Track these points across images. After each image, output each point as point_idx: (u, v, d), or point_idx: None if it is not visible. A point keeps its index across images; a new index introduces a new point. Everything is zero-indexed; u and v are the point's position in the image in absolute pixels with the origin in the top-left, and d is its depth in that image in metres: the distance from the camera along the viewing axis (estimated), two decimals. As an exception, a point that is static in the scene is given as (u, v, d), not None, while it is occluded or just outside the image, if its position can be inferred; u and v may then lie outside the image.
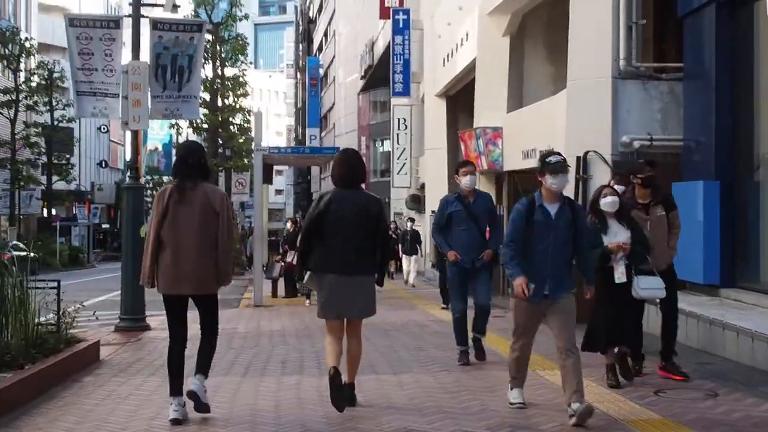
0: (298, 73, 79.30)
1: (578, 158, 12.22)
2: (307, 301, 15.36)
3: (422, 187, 28.86)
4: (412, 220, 23.13)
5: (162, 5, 16.22)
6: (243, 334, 11.22)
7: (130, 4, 12.60)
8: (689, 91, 11.44)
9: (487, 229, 8.36)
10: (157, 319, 11.52)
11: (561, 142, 12.84)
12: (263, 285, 17.04)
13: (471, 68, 20.56)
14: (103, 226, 62.36)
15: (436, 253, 12.11)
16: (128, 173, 12.47)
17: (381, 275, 6.37)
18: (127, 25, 12.14)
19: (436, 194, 24.81)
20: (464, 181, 8.29)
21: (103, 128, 64.33)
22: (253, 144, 16.07)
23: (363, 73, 44.34)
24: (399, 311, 13.90)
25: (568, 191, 12.27)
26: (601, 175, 12.00)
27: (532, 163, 14.81)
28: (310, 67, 67.25)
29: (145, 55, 11.74)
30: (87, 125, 60.89)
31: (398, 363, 8.61)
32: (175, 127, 35.98)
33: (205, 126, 35.12)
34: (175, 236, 5.74)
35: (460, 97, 24.30)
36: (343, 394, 5.94)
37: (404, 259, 21.14)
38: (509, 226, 6.12)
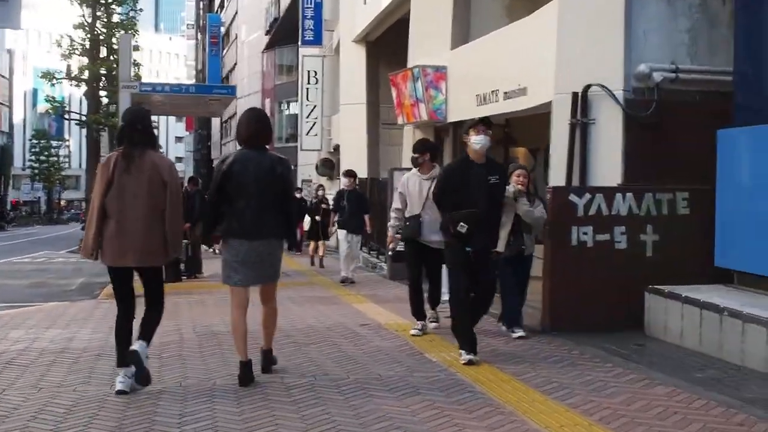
0: (199, 34, 74.26)
1: (574, 95, 8.68)
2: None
3: (336, 149, 25.06)
4: (322, 186, 19.45)
5: None
6: (34, 354, 7.24)
7: None
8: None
9: None
10: None
11: (546, 75, 9.31)
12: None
13: (399, 3, 16.85)
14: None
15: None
16: None
17: (293, 238, 6.47)
18: None
19: (352, 156, 21.11)
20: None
21: (-16, 87, 59.35)
22: (119, 79, 11.82)
23: (268, 28, 40.48)
24: (315, 306, 10.17)
25: (561, 139, 8.75)
26: (607, 120, 8.52)
27: (491, 110, 11.26)
28: (211, 25, 62.62)
29: None
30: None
31: None
32: (48, 77, 30.86)
33: (84, 77, 30.41)
34: (120, 207, 5.52)
35: (382, 43, 20.66)
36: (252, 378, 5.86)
37: (340, 233, 13.75)
38: None
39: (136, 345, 5.58)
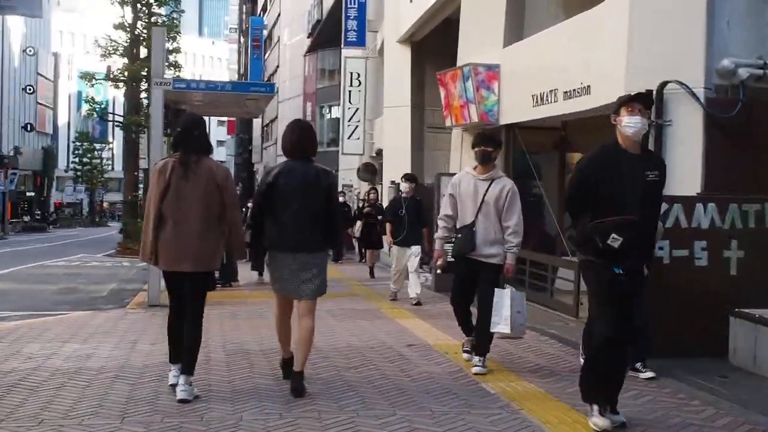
0: (242, 37, 74.36)
1: (648, 92, 7.75)
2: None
3: (378, 153, 24.28)
4: (375, 190, 18.22)
5: None
6: (50, 373, 6.53)
7: None
8: None
9: None
10: None
11: (614, 72, 8.43)
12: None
13: (446, 0, 16.04)
14: (27, 194, 58.04)
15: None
16: None
17: (337, 250, 7.07)
18: None
19: (396, 161, 20.30)
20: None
21: (29, 89, 59.96)
22: (152, 74, 11.15)
23: (310, 31, 40.03)
24: (356, 321, 9.37)
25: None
26: (685, 121, 7.60)
27: (549, 111, 10.38)
28: (253, 28, 62.59)
29: None
30: (11, 86, 56.10)
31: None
32: (87, 78, 30.51)
33: (123, 77, 29.99)
34: (177, 212, 5.57)
35: (428, 43, 19.85)
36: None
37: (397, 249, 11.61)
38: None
39: (181, 389, 5.54)
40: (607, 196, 4.80)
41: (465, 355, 6.93)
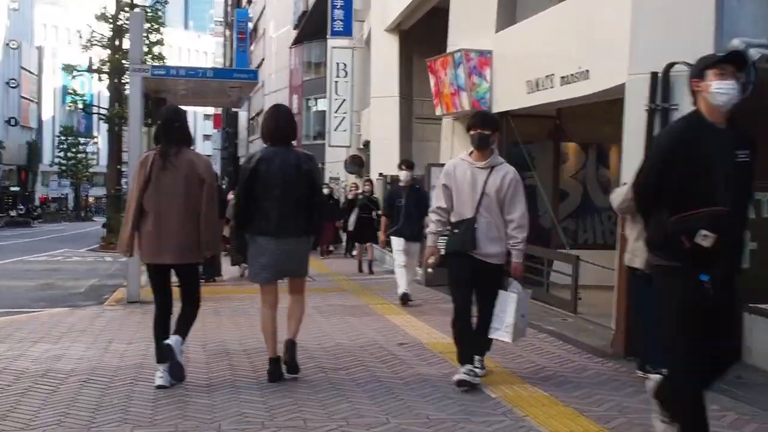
0: (227, 30, 73.67)
1: (653, 76, 7.33)
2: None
3: (365, 145, 23.81)
4: (370, 182, 17.10)
5: None
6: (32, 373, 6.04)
7: None
8: None
9: None
10: None
11: (615, 54, 8.00)
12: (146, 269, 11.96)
13: (435, -13, 15.64)
14: (12, 188, 57.37)
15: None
16: None
17: (316, 237, 6.23)
18: None
19: (383, 153, 19.86)
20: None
21: (13, 83, 59.26)
22: (128, 61, 10.64)
23: (296, 22, 39.56)
24: (344, 318, 8.92)
25: (636, 128, 7.44)
26: (693, 105, 7.15)
27: (544, 97, 9.95)
28: (239, 20, 61.66)
29: None
30: (-8, 80, 55.61)
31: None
32: (69, 69, 29.88)
33: (105, 69, 29.38)
34: (157, 204, 5.57)
35: (416, 32, 19.40)
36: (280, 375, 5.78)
37: (396, 242, 10.56)
38: None
39: (171, 339, 5.60)
40: (691, 183, 3.79)
41: (480, 372, 5.76)
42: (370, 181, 17.19)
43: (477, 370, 5.65)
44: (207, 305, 9.66)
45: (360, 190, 18.88)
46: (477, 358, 5.78)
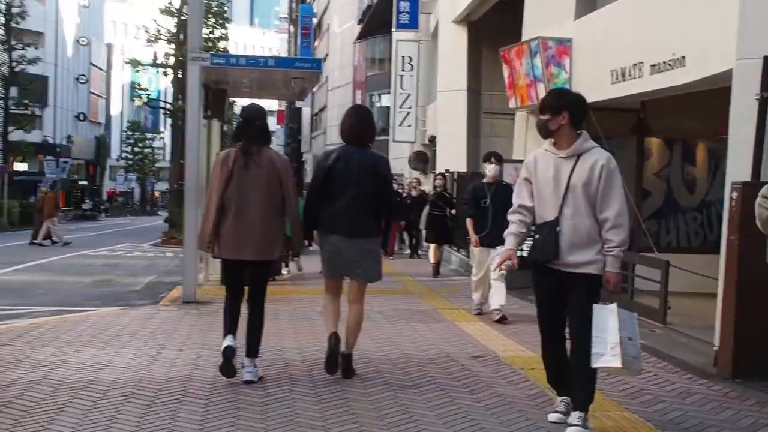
0: (291, 27, 73.75)
1: (766, 61, 6.47)
2: (285, 269, 12.90)
3: (431, 141, 23.10)
4: (443, 176, 15.83)
5: None
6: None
7: None
8: None
9: None
10: None
11: (719, 38, 7.16)
12: (206, 266, 11.58)
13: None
14: (80, 182, 58.33)
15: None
16: None
17: (385, 239, 6.48)
18: None
19: (450, 149, 19.13)
20: None
21: (82, 79, 60.26)
22: (188, 50, 10.18)
23: (360, 17, 39.10)
24: (411, 324, 8.26)
25: (746, 119, 6.60)
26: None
27: (631, 87, 9.13)
28: (303, 16, 61.51)
29: None
30: (64, 76, 56.32)
31: None
32: (133, 63, 29.90)
33: (169, 64, 29.33)
34: (239, 202, 5.63)
35: (486, 23, 18.59)
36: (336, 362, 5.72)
37: (478, 250, 9.09)
38: None
39: (246, 371, 5.61)
40: None
41: (553, 417, 4.77)
42: (443, 175, 15.95)
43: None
44: (266, 307, 9.17)
45: (422, 186, 18.19)
46: (577, 415, 4.50)
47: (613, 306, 4.42)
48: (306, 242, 6.07)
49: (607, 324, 4.38)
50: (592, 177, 4.53)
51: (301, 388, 5.49)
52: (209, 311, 9.02)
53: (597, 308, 4.46)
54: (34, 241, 22.83)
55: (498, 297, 8.63)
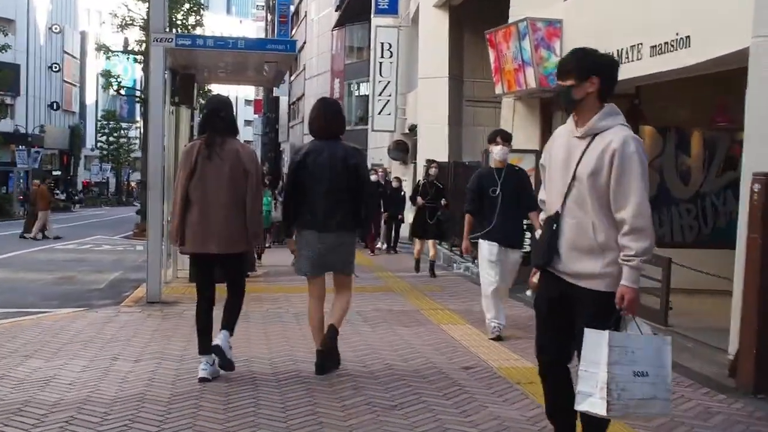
0: (269, 14, 72.81)
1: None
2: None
3: (411, 130, 22.43)
4: (437, 164, 14.04)
5: None
6: None
7: None
8: None
9: None
10: None
11: (730, 15, 6.53)
12: (173, 263, 10.90)
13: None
14: (54, 173, 57.15)
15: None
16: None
17: (363, 231, 6.42)
18: None
19: (431, 137, 18.49)
20: None
21: (55, 67, 58.98)
22: (150, 31, 9.42)
23: (338, 3, 38.29)
24: (393, 327, 7.59)
25: (763, 101, 5.98)
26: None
27: (629, 71, 8.52)
28: (280, 3, 60.73)
29: None
30: (36, 64, 55.01)
31: None
32: (103, 50, 28.96)
33: (140, 50, 28.40)
34: (203, 194, 5.56)
35: (468, 7, 17.99)
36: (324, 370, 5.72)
37: (486, 247, 7.49)
38: None
39: (219, 338, 5.53)
40: None
41: None
42: (436, 162, 14.18)
43: None
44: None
45: (400, 177, 17.48)
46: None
47: (606, 333, 3.34)
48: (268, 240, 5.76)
49: (598, 354, 3.34)
50: (601, 165, 3.49)
51: (269, 411, 4.80)
52: (174, 312, 8.34)
53: (588, 333, 3.40)
54: (26, 234, 22.04)
55: (491, 309, 7.33)
